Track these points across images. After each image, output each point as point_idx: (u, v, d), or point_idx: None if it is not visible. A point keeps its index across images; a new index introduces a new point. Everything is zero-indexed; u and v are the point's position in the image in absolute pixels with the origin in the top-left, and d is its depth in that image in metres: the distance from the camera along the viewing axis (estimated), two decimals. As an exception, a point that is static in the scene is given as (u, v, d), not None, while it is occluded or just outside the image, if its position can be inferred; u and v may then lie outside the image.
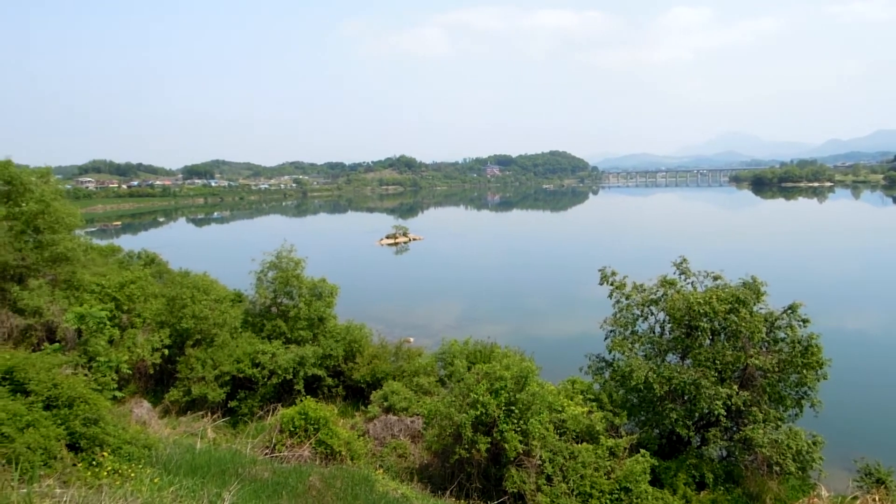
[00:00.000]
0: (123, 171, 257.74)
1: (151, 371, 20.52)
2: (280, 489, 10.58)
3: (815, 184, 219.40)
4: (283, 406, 18.56)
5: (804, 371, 15.32)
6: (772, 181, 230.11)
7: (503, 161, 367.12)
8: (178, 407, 19.78)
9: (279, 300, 23.29)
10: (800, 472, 14.91)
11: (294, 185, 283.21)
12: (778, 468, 14.61)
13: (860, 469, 15.17)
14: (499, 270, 60.02)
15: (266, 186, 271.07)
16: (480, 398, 14.03)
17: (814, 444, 14.81)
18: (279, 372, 19.57)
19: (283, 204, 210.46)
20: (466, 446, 13.84)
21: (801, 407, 15.77)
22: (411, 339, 28.95)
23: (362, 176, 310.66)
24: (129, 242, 59.01)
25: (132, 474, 9.58)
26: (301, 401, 17.13)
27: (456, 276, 56.66)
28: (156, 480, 9.39)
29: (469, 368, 16.60)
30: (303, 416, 15.67)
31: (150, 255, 34.73)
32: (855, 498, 14.45)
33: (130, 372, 19.37)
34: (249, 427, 17.64)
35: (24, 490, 7.47)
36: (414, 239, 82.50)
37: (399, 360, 21.71)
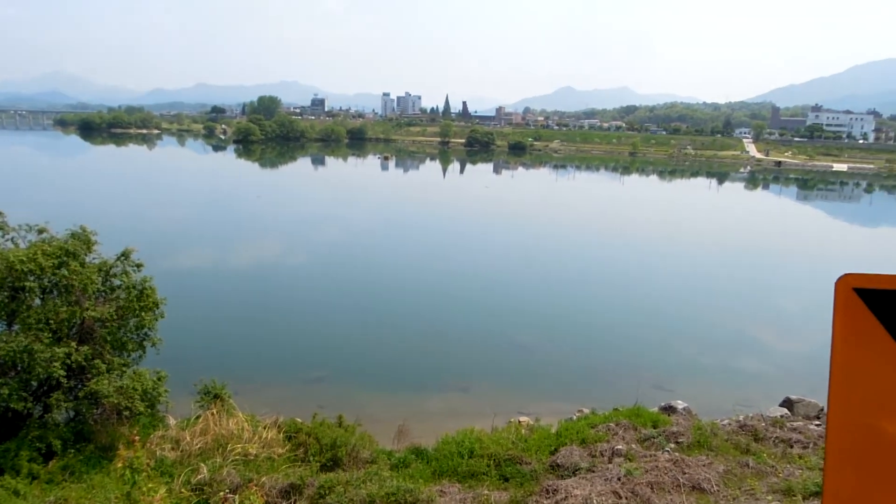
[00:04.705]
0: None
1: None
2: None
3: (144, 131, 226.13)
4: None
5: (142, 314, 15.81)
6: (101, 126, 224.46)
7: None
8: None
9: None
10: (149, 410, 15.55)
11: None
12: (128, 412, 14.85)
13: (200, 390, 16.87)
14: None
15: None
16: None
17: (158, 380, 15.63)
18: None
19: None
20: None
21: (143, 349, 16.28)
22: None
23: None
24: None
25: None
26: None
27: None
28: None
29: None
30: None
31: None
32: (198, 417, 16.08)
33: None
34: None
35: None
36: None
37: None
